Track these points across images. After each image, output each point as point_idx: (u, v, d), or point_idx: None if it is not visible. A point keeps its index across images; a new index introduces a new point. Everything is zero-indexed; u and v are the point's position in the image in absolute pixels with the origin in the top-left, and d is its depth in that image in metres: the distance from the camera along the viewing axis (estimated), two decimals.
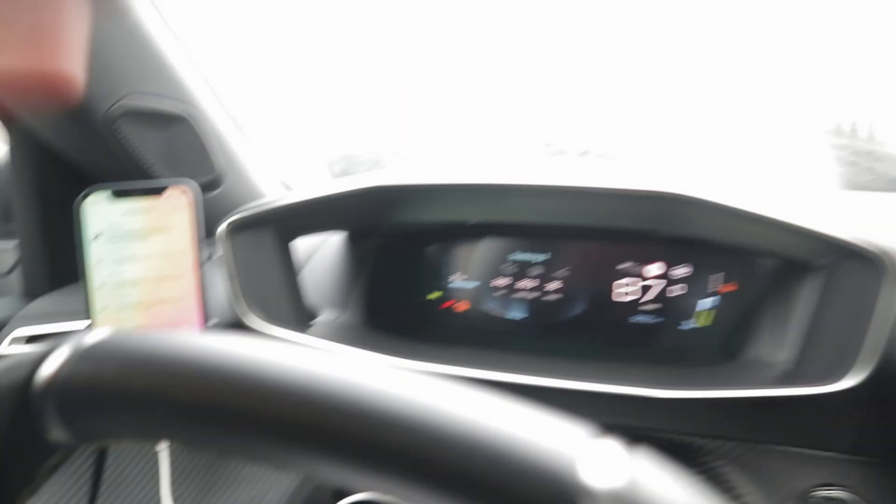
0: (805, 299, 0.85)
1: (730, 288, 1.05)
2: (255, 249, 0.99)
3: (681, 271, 1.07)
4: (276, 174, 1.39)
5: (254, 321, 0.97)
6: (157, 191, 0.98)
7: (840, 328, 0.77)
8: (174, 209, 1.00)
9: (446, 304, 1.21)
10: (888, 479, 0.88)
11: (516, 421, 0.27)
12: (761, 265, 1.00)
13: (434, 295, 1.21)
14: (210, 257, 1.18)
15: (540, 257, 1.14)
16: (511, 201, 0.94)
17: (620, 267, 1.10)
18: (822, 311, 0.82)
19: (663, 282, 1.08)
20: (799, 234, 0.76)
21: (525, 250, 1.14)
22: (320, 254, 1.21)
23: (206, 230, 1.03)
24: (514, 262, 1.15)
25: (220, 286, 1.03)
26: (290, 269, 1.05)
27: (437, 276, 1.21)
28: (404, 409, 0.27)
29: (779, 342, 0.90)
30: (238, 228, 0.97)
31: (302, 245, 1.18)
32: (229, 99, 1.30)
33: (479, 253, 1.18)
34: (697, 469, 0.94)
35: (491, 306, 1.18)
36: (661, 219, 0.88)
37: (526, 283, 1.15)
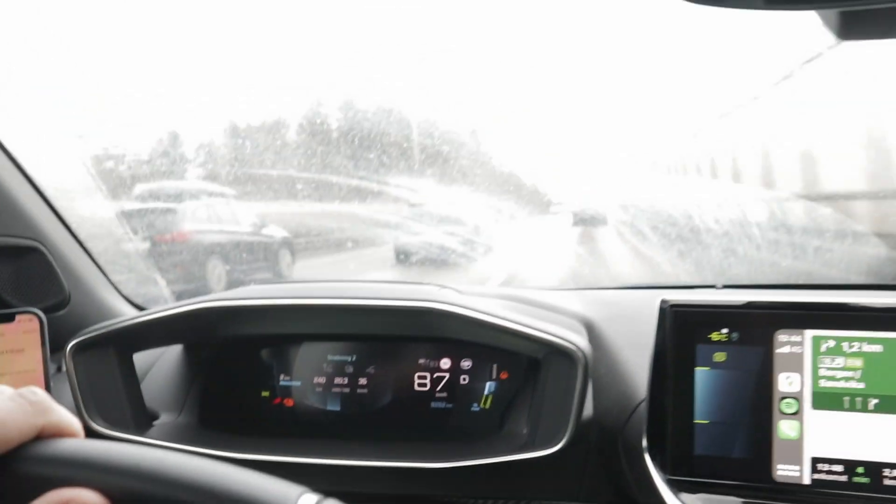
0: (538, 383, 1.12)
1: (504, 376, 1.30)
2: (97, 365, 1.15)
3: (466, 364, 1.32)
4: (120, 290, 1.55)
5: (97, 428, 1.13)
6: (8, 318, 1.14)
7: (556, 404, 1.04)
8: (24, 333, 1.15)
9: (276, 401, 1.39)
10: None
11: (258, 481, 0.48)
12: (521, 358, 1.26)
13: (265, 393, 1.39)
14: (59, 369, 1.32)
15: (352, 358, 1.35)
16: (312, 317, 1.17)
17: (417, 363, 1.33)
18: (545, 392, 1.08)
19: (452, 373, 1.32)
20: (516, 335, 1.03)
21: (339, 353, 1.35)
22: (160, 363, 1.37)
23: (57, 344, 1.18)
24: (331, 362, 1.36)
25: (68, 397, 1.18)
26: (130, 379, 1.22)
27: (268, 377, 1.40)
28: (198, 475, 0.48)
29: (524, 417, 1.16)
30: (81, 348, 1.13)
31: (143, 356, 1.34)
32: (76, 225, 1.46)
33: (302, 356, 1.38)
34: None
35: (314, 401, 1.37)
36: (428, 327, 1.13)
37: (342, 381, 1.35)
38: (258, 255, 6.04)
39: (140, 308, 1.60)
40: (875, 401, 0.91)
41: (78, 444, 0.49)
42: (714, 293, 1.45)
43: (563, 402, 1.02)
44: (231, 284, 5.34)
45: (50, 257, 1.32)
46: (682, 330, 0.98)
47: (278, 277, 5.95)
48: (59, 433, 0.49)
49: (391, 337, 1.32)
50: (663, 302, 0.99)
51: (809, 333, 0.94)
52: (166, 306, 1.17)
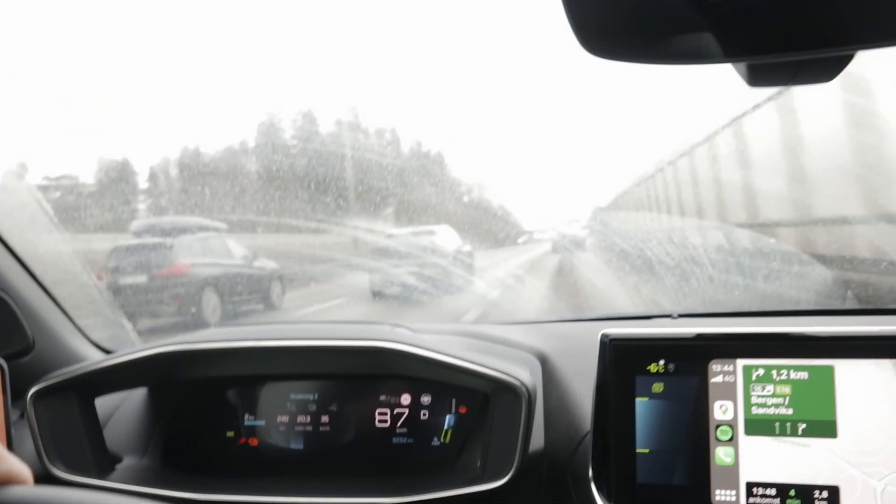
0: (488, 418, 1.15)
1: (463, 410, 1.34)
2: (58, 410, 1.18)
3: (425, 399, 1.35)
4: (86, 334, 1.57)
5: (58, 473, 1.15)
6: None
7: (504, 437, 1.07)
8: None
9: (241, 441, 1.42)
10: None
11: None
12: (477, 392, 1.29)
13: (230, 433, 1.42)
14: (22, 416, 1.33)
15: (314, 397, 1.38)
16: (271, 358, 1.20)
17: (378, 400, 1.36)
18: (494, 426, 1.11)
19: (412, 409, 1.35)
20: (462, 372, 1.07)
21: (302, 392, 1.38)
22: (125, 406, 1.39)
23: (21, 391, 1.20)
24: (294, 401, 1.38)
25: (30, 443, 1.20)
26: (92, 424, 1.24)
27: (233, 417, 1.42)
28: None
29: (477, 450, 1.19)
30: (42, 394, 1.15)
31: (108, 399, 1.36)
32: (42, 273, 1.49)
33: (266, 396, 1.41)
34: None
35: (278, 440, 1.39)
36: (381, 365, 1.17)
37: (305, 419, 1.38)
38: (251, 286, 6.20)
39: (107, 352, 1.62)
40: (803, 426, 0.95)
41: (22, 491, 0.52)
42: (667, 323, 1.50)
43: (509, 436, 1.05)
44: (225, 315, 5.46)
45: (13, 305, 1.34)
46: (622, 362, 1.03)
47: (270, 307, 6.08)
48: (8, 481, 0.52)
49: (352, 375, 1.35)
50: (603, 336, 1.03)
51: (741, 363, 0.99)
52: (127, 351, 1.19)
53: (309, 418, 1.38)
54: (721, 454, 0.98)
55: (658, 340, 1.02)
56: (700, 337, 1.01)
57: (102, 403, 1.30)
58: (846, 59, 0.76)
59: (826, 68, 0.80)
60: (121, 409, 1.40)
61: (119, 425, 1.36)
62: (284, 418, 1.39)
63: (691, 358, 1.01)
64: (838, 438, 0.94)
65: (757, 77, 0.83)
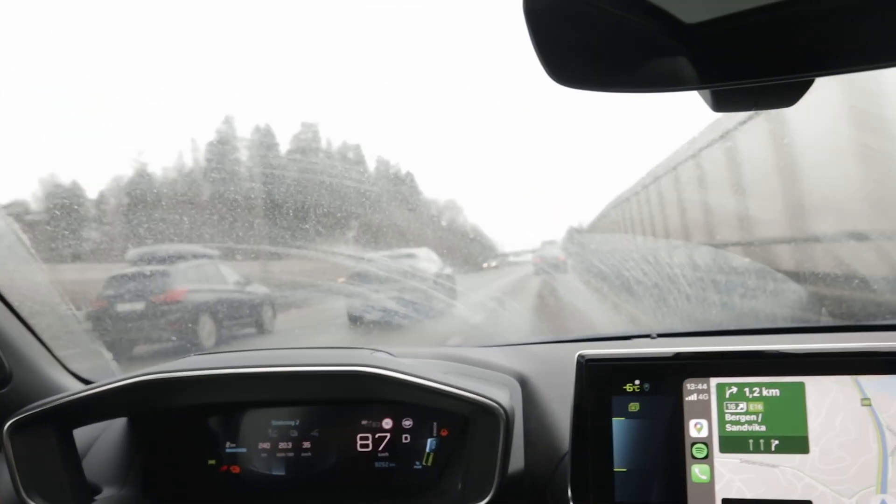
0: (467, 440, 1.16)
1: (444, 433, 1.34)
2: (36, 442, 1.17)
3: (407, 423, 1.36)
4: (65, 365, 1.56)
5: None
6: None
7: (483, 459, 1.08)
8: None
9: (223, 469, 1.41)
10: None
11: None
12: (458, 416, 1.30)
13: (212, 461, 1.41)
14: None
15: (295, 423, 1.38)
16: (250, 385, 1.21)
17: (359, 424, 1.36)
18: (473, 448, 1.12)
19: (394, 433, 1.36)
20: (441, 395, 1.08)
21: (283, 418, 1.38)
22: (104, 436, 1.39)
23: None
24: (275, 427, 1.38)
25: (7, 476, 1.19)
26: (70, 455, 1.23)
27: (214, 445, 1.41)
28: None
29: (459, 473, 1.20)
30: (19, 427, 1.15)
31: (88, 429, 1.35)
32: (19, 304, 1.48)
33: (247, 422, 1.40)
34: None
35: (260, 466, 1.39)
36: (361, 390, 1.18)
37: (286, 445, 1.38)
38: (244, 311, 6.31)
39: (86, 382, 1.61)
40: (776, 442, 0.97)
41: None
42: (646, 343, 1.52)
43: (489, 457, 1.06)
44: (221, 339, 5.51)
45: None
46: (598, 383, 1.04)
47: (262, 331, 6.17)
48: None
49: (333, 400, 1.36)
50: (580, 357, 1.05)
51: (714, 381, 1.01)
52: (105, 381, 1.19)
53: (291, 444, 1.38)
54: (697, 472, 0.99)
55: (632, 361, 1.04)
56: (673, 356, 1.03)
57: (81, 434, 1.30)
58: (806, 85, 0.79)
59: (787, 94, 0.82)
60: (100, 440, 1.39)
61: (98, 456, 1.35)
62: (266, 445, 1.39)
63: (666, 377, 1.02)
64: (810, 454, 0.96)
65: (721, 103, 0.86)
